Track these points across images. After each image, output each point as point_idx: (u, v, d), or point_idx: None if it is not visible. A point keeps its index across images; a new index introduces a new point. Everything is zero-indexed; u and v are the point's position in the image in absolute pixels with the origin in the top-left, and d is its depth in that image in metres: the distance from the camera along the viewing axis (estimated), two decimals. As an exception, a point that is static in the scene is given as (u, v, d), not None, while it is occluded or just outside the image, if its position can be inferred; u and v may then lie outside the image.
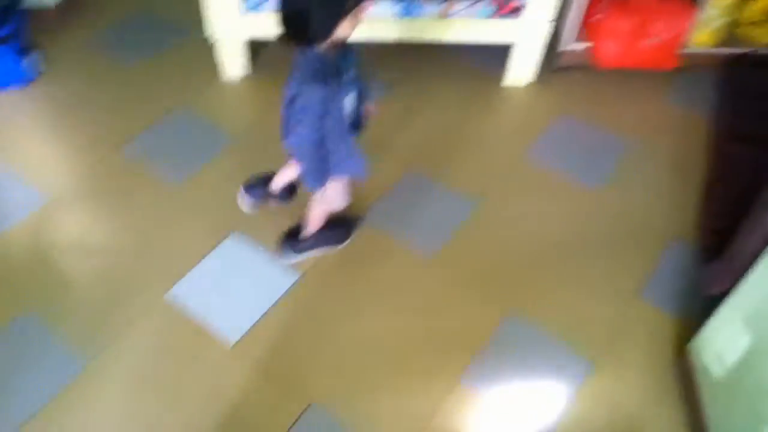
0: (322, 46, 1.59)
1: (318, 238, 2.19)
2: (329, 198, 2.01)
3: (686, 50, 2.67)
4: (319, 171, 1.81)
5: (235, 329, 2.00)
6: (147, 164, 2.43)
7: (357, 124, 1.85)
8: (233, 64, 2.69)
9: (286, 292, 2.10)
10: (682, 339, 1.98)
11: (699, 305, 2.00)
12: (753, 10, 2.74)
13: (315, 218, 2.14)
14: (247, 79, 2.72)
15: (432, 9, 2.48)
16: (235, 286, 2.11)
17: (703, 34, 2.68)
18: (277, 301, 2.07)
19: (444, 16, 2.50)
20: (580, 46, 2.71)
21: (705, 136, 2.52)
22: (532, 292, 2.12)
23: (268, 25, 2.51)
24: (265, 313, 2.04)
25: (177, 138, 2.52)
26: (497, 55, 2.70)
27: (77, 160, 2.46)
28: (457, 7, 2.47)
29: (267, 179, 2.01)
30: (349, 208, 2.11)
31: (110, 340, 1.97)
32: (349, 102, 1.74)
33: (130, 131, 2.53)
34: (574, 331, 2.03)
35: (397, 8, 2.47)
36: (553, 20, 2.52)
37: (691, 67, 2.70)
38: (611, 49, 2.62)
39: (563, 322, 2.05)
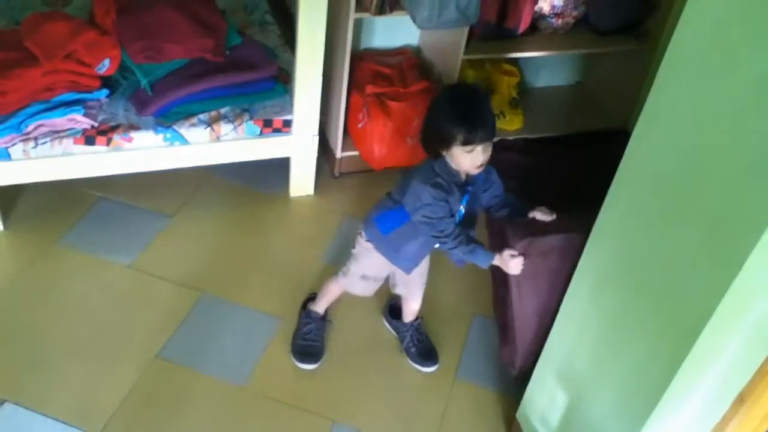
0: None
1: (304, 321, 2.16)
2: (350, 273, 2.00)
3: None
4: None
5: None
6: None
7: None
8: (-18, 218, 2.40)
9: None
10: (509, 411, 2.02)
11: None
12: (492, 104, 3.07)
13: (327, 289, 2.13)
14: (3, 232, 2.43)
15: (200, 135, 2.43)
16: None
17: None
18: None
19: (215, 140, 2.47)
20: (354, 152, 2.82)
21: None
22: (353, 402, 2.06)
23: (17, 172, 2.30)
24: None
25: None
26: (279, 171, 2.71)
27: None
28: (224, 130, 2.46)
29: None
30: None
31: None
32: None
33: None
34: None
35: (161, 137, 2.39)
36: (315, 134, 2.60)
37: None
38: (380, 152, 2.74)
39: (385, 422, 2.00)
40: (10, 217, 2.47)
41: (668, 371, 1.29)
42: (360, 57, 2.85)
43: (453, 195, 1.72)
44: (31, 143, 2.26)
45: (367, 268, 1.96)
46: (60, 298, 2.25)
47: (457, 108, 1.69)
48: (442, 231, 1.73)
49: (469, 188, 1.76)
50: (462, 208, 1.77)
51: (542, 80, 3.39)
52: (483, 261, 1.75)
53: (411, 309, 2.17)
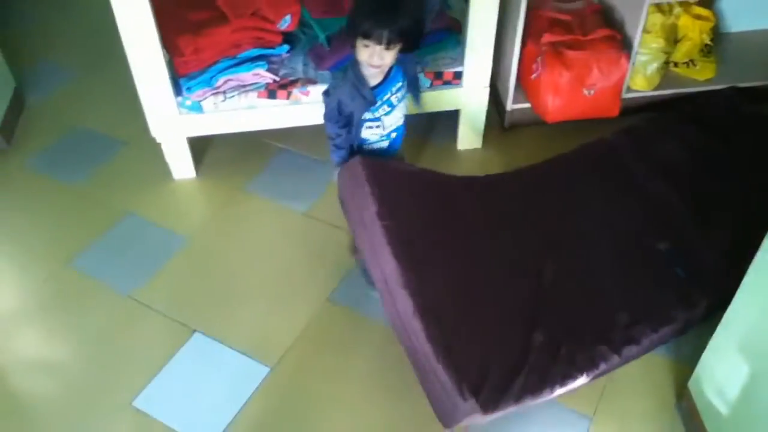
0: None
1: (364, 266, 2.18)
2: None
3: (627, 95, 2.72)
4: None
5: (209, 433, 1.86)
6: (98, 275, 2.32)
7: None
8: (179, 165, 2.63)
9: (258, 387, 1.98)
10: (680, 379, 1.90)
11: (689, 339, 1.94)
12: (681, 52, 2.83)
13: None
14: (195, 179, 2.66)
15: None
16: (204, 388, 1.99)
17: (640, 78, 2.74)
18: (250, 397, 1.95)
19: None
20: (526, 104, 2.74)
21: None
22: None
23: (208, 124, 2.49)
24: (239, 410, 1.92)
25: (128, 246, 2.42)
26: (447, 122, 2.71)
27: (26, 278, 2.33)
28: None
29: None
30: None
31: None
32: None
33: (78, 245, 2.42)
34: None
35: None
36: (486, 86, 2.54)
37: (634, 110, 2.73)
38: (553, 104, 2.64)
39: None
40: (201, 165, 2.71)
41: None
42: (537, 3, 2.73)
43: (354, 101, 1.82)
44: (221, 97, 2.44)
45: None
46: (244, 240, 2.44)
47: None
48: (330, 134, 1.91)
49: (386, 88, 1.85)
50: (379, 114, 1.87)
51: (742, 24, 3.06)
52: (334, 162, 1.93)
53: None
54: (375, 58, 1.72)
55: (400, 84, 1.89)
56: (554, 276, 1.91)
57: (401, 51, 1.78)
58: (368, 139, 1.94)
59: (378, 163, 1.91)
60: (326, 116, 1.89)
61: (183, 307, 2.21)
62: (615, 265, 1.97)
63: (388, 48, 1.70)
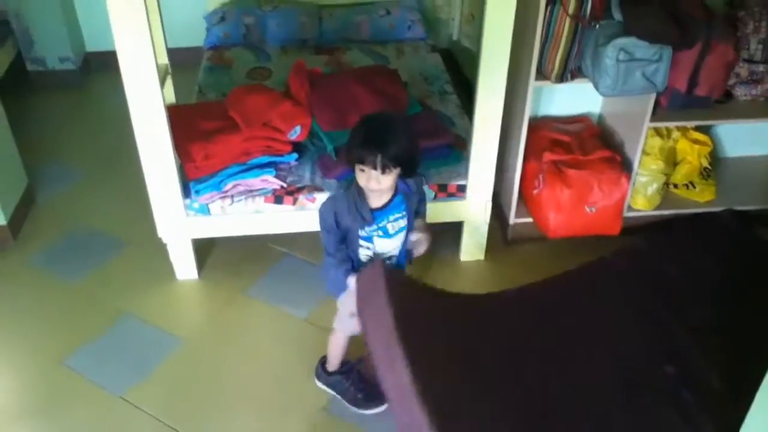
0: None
1: (339, 381, 2.18)
2: (340, 318, 2.05)
3: (628, 214, 2.76)
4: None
5: None
6: (89, 376, 2.28)
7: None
8: (183, 266, 2.65)
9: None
10: None
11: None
12: (680, 174, 2.90)
13: (330, 343, 2.15)
14: (197, 280, 2.67)
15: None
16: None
17: (640, 198, 2.80)
18: None
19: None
20: (528, 219, 2.78)
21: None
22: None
23: (215, 226, 2.53)
24: None
25: (123, 346, 2.40)
26: (450, 234, 2.75)
27: (18, 377, 2.30)
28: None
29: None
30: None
31: None
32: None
33: (73, 343, 2.39)
34: None
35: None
36: (489, 200, 2.60)
37: (635, 229, 2.77)
38: (555, 220, 2.68)
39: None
40: (204, 267, 2.72)
41: None
42: (537, 124, 2.83)
43: (351, 215, 1.84)
44: (228, 201, 2.48)
45: (351, 305, 1.92)
46: (242, 344, 2.41)
47: (362, 128, 1.81)
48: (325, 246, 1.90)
49: (385, 213, 1.87)
50: (370, 233, 1.88)
51: (739, 149, 3.15)
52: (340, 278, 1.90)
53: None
54: (372, 182, 1.78)
55: (399, 215, 1.91)
56: (558, 402, 1.87)
57: (401, 176, 1.84)
58: (360, 259, 1.96)
59: (398, 272, 1.93)
60: (325, 228, 1.90)
61: (174, 411, 2.15)
62: (620, 390, 1.94)
63: (383, 172, 1.76)
